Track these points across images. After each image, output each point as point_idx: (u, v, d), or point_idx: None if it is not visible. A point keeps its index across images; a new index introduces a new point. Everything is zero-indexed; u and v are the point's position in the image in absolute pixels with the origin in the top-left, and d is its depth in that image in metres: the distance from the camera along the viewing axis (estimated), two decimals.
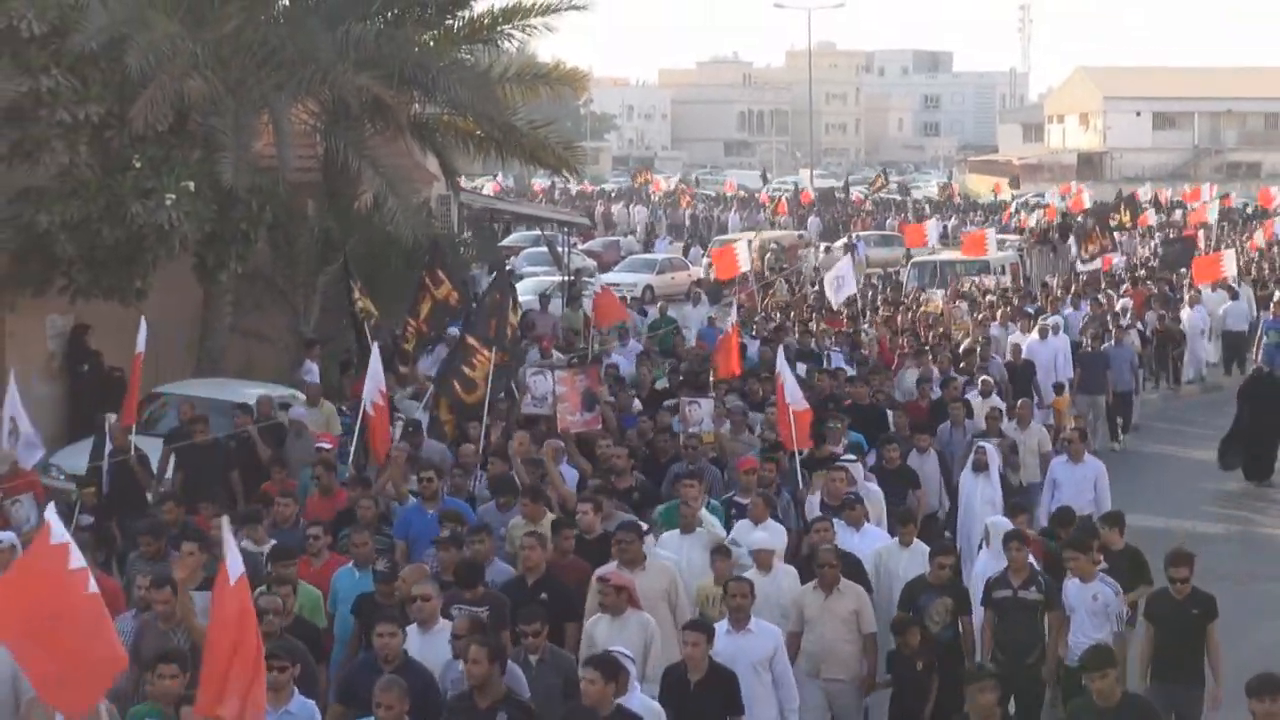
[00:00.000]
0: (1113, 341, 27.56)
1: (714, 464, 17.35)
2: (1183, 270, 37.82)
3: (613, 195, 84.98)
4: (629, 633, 11.61)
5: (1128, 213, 40.21)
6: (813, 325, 28.96)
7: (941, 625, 13.17)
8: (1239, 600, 18.51)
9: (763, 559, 13.17)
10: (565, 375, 18.80)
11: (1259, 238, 50.46)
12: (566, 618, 12.41)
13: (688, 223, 68.07)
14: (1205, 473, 25.28)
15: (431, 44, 24.96)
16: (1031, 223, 55.85)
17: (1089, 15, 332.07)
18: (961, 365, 24.79)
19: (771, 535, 14.06)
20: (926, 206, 75.11)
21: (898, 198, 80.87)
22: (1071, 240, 43.56)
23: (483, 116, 24.76)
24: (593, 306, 26.26)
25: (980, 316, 30.47)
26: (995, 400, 21.20)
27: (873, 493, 16.26)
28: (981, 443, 17.93)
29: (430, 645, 11.40)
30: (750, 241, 40.16)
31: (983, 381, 22.15)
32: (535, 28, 25.40)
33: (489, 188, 73.59)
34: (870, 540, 14.72)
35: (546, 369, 19.54)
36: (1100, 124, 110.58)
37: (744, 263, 34.61)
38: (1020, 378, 24.77)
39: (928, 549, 14.04)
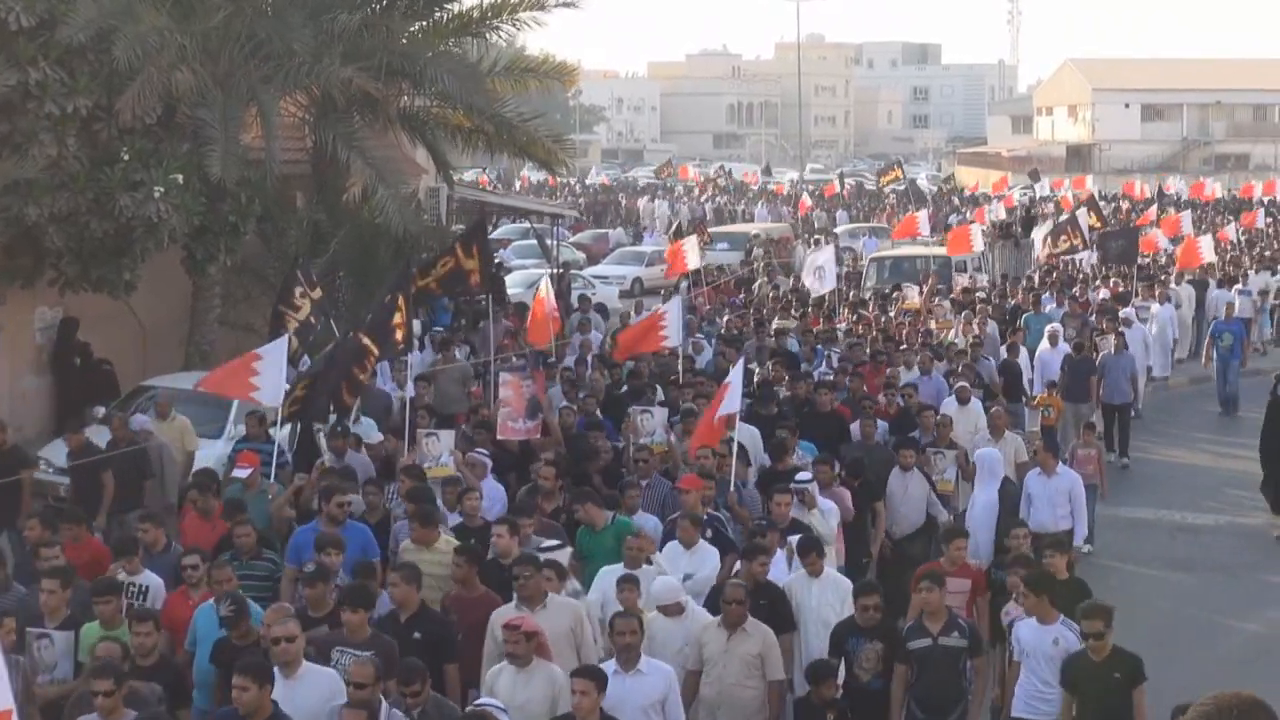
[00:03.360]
0: (1110, 349, 25.19)
1: (666, 476, 16.01)
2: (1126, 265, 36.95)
3: (640, 188, 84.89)
4: (534, 686, 10.40)
5: (1093, 214, 39.99)
6: (783, 323, 27.59)
7: (871, 674, 11.65)
8: (1229, 591, 18.62)
9: (671, 610, 11.64)
10: (511, 379, 17.46)
11: (1230, 231, 50.42)
12: (443, 659, 11.14)
13: (710, 216, 67.37)
14: (1194, 463, 25.33)
15: (420, 36, 24.93)
16: (993, 217, 55.18)
17: (1078, 7, 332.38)
18: (953, 366, 22.94)
19: (701, 561, 13.09)
20: (929, 198, 74.50)
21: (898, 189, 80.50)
22: (1035, 235, 43.19)
23: (472, 109, 24.75)
24: (528, 319, 24.31)
25: (977, 314, 28.55)
26: (976, 406, 19.88)
27: (826, 510, 14.82)
28: (979, 452, 16.86)
29: (295, 693, 10.01)
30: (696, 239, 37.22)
31: (959, 389, 20.39)
32: (525, 22, 25.37)
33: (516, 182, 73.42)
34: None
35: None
36: (1089, 116, 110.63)
37: (693, 260, 32.86)
38: (1015, 379, 23.94)
39: (844, 582, 12.73)
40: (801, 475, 15.10)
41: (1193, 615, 17.78)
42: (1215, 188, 73.33)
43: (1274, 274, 38.17)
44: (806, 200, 68.49)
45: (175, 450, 18.04)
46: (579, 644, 11.30)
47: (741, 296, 34.68)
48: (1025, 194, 69.92)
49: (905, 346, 24.39)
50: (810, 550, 12.77)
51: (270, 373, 16.42)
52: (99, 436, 18.25)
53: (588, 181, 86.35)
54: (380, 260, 24.97)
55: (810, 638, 12.37)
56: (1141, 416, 27.43)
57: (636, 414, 17.58)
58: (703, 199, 75.14)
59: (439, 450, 16.03)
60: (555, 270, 38.62)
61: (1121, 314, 28.72)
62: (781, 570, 12.98)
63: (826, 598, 12.47)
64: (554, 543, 12.76)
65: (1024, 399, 23.98)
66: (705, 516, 14.05)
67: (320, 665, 10.37)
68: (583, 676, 9.88)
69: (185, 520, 14.77)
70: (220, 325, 23.68)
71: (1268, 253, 42.64)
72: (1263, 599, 18.33)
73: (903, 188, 72.14)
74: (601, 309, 33.17)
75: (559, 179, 71.93)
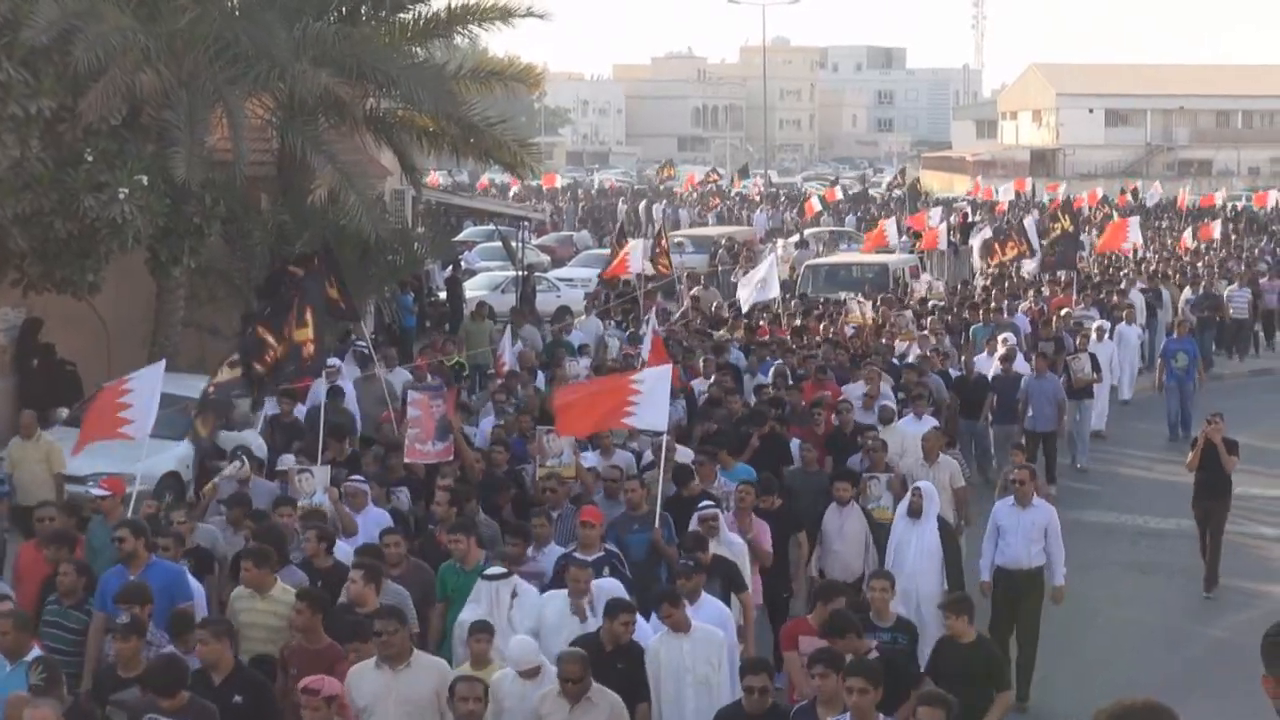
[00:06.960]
0: (1032, 372, 23.00)
1: (576, 504, 14.71)
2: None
3: (639, 191, 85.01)
4: None
5: (1067, 217, 39.78)
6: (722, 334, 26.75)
7: None
8: (1191, 596, 18.70)
9: (529, 673, 10.28)
10: (420, 398, 16.24)
11: (1187, 237, 50.58)
12: None
13: (712, 221, 67.31)
14: (1156, 468, 25.42)
15: (386, 40, 24.92)
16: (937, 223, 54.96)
17: (1042, 12, 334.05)
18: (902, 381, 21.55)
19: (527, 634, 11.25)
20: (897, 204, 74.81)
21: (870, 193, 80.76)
22: (974, 243, 43.02)
23: (439, 113, 24.73)
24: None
25: (929, 325, 27.48)
26: (904, 425, 18.49)
27: (734, 545, 13.45)
28: (919, 484, 15.01)
29: None
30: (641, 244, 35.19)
31: (882, 408, 19.10)
32: (493, 25, 25.40)
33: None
34: (700, 615, 11.46)
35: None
36: (1053, 121, 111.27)
37: (635, 265, 31.48)
38: (976, 396, 22.78)
39: (716, 634, 11.23)
40: (706, 503, 13.93)
41: (1155, 618, 17.88)
42: (1183, 194, 73.73)
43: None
44: (815, 204, 68.49)
45: (42, 471, 16.85)
46: (442, 710, 10.08)
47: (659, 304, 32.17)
48: (961, 205, 70.33)
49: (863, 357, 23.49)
50: (673, 601, 11.14)
51: (141, 405, 14.82)
52: (61, 438, 18.13)
53: (574, 182, 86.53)
54: (346, 263, 24.93)
55: (686, 700, 11.01)
56: (1105, 437, 26.84)
57: (542, 433, 15.93)
58: (704, 205, 75.31)
59: (312, 487, 14.46)
60: (520, 273, 38.65)
61: (1096, 324, 27.78)
62: (649, 629, 11.39)
63: (699, 652, 11.01)
64: (499, 570, 11.76)
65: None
66: (603, 553, 12.88)
67: None
68: None
69: (21, 549, 13.36)
70: (184, 327, 23.61)
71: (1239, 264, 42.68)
72: (1224, 603, 18.41)
73: (900, 194, 72.62)
74: (565, 311, 33.13)
75: (560, 183, 72.02)
